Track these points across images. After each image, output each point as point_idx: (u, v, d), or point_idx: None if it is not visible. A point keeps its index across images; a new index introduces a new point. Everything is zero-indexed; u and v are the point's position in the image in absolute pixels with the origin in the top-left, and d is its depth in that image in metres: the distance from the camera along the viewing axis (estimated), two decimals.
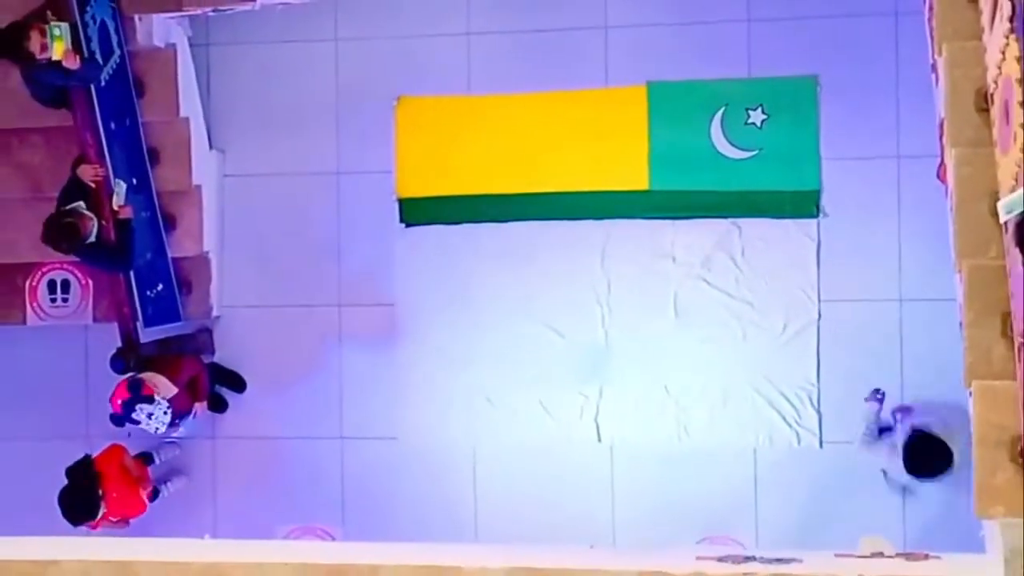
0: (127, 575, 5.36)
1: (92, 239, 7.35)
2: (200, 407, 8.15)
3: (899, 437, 7.12)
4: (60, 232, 7.23)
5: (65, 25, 7.15)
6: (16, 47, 7.01)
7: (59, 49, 7.06)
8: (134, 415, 7.55)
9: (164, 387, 7.66)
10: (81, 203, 7.33)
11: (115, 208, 7.57)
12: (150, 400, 7.55)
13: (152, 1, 8.02)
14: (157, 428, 7.64)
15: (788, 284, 8.11)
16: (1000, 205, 4.61)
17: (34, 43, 6.98)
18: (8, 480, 8.44)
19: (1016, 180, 4.61)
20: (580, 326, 8.32)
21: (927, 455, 6.86)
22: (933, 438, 6.88)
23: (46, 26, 7.01)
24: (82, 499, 7.41)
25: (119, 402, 7.56)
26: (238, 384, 8.56)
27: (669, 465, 8.18)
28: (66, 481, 7.54)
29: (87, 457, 7.66)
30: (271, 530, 8.14)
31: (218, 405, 8.52)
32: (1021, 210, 4.19)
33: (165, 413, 7.60)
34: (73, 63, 7.16)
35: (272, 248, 8.60)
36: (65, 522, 7.42)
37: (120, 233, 7.60)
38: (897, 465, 7.14)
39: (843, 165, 8.00)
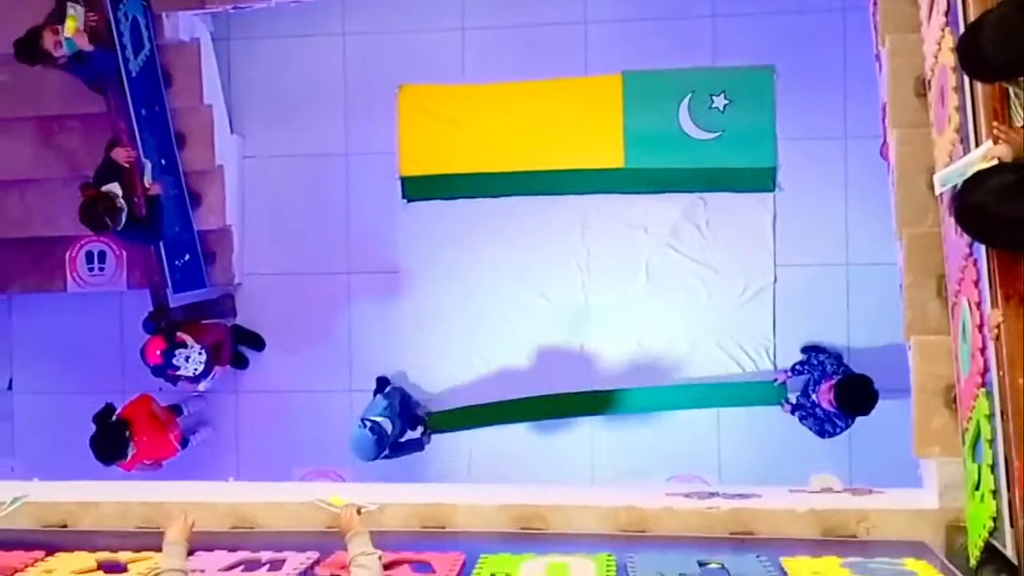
0: (160, 514, 5.38)
1: (122, 224, 7.31)
2: (220, 370, 8.14)
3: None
4: (91, 220, 7.18)
5: (80, 8, 7.06)
6: (34, 49, 6.96)
7: (71, 27, 6.95)
8: (174, 360, 7.55)
9: (191, 342, 7.65)
10: (115, 185, 7.29)
11: (146, 185, 7.55)
12: (184, 345, 7.56)
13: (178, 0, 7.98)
14: (196, 369, 7.62)
15: (747, 251, 8.11)
16: (936, 178, 4.62)
17: (48, 42, 6.94)
18: (52, 429, 8.45)
19: (951, 157, 4.64)
20: (563, 289, 8.32)
21: (855, 395, 6.93)
22: (860, 378, 6.97)
23: (59, 25, 6.95)
24: (109, 441, 7.36)
25: (157, 352, 7.54)
26: (258, 343, 8.56)
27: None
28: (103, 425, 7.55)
29: (109, 405, 7.61)
30: (288, 473, 8.15)
31: (240, 362, 8.52)
32: (955, 183, 4.21)
33: (200, 354, 7.60)
34: (84, 43, 7.06)
35: (288, 221, 8.57)
36: (103, 468, 7.41)
37: (150, 208, 7.57)
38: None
39: (796, 144, 7.99)
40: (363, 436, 7.17)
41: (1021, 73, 4.04)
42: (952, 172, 4.32)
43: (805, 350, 7.72)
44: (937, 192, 4.77)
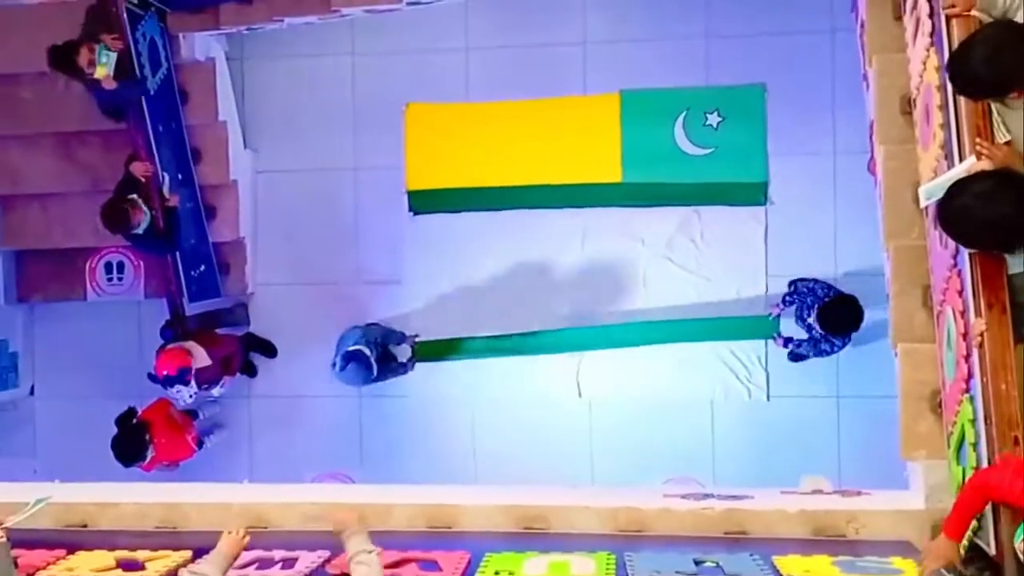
0: (177, 514, 5.40)
1: (142, 229, 7.32)
2: (228, 379, 8.14)
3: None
4: (113, 215, 7.21)
5: (114, 55, 7.13)
6: (69, 61, 6.99)
7: (101, 72, 7.07)
8: (172, 389, 7.56)
9: (200, 357, 7.66)
10: (136, 195, 7.33)
11: (165, 196, 7.56)
12: (187, 383, 7.53)
13: (194, 21, 7.98)
14: (184, 401, 7.68)
15: (740, 262, 8.11)
16: (920, 191, 4.64)
17: (83, 59, 6.99)
18: (72, 433, 8.43)
19: (935, 172, 4.65)
20: (563, 298, 8.32)
21: (840, 317, 7.04)
22: (843, 300, 7.08)
23: (96, 45, 7.00)
24: (129, 443, 7.37)
25: (164, 374, 7.51)
26: (270, 351, 8.56)
27: (639, 416, 8.19)
28: (116, 429, 7.54)
29: (131, 408, 7.65)
30: (300, 475, 8.12)
31: (250, 371, 8.52)
32: (939, 197, 4.23)
33: (191, 397, 7.62)
34: (109, 84, 7.15)
35: (299, 234, 8.56)
36: (122, 470, 7.41)
37: (167, 220, 7.58)
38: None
39: (787, 160, 7.99)
40: (349, 370, 7.44)
41: (1010, 90, 4.06)
42: (936, 186, 4.34)
43: (792, 282, 7.66)
44: (922, 205, 4.78)
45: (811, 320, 7.26)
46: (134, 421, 7.52)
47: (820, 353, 7.37)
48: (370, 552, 4.12)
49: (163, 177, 7.63)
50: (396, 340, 8.16)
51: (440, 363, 8.41)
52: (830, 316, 7.09)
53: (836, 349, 7.30)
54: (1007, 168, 4.02)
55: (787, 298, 7.64)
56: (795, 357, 7.62)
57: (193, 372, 7.55)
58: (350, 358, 7.51)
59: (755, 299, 8.06)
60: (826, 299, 7.21)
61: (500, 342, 8.37)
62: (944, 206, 4.06)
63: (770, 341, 7.98)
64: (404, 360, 8.16)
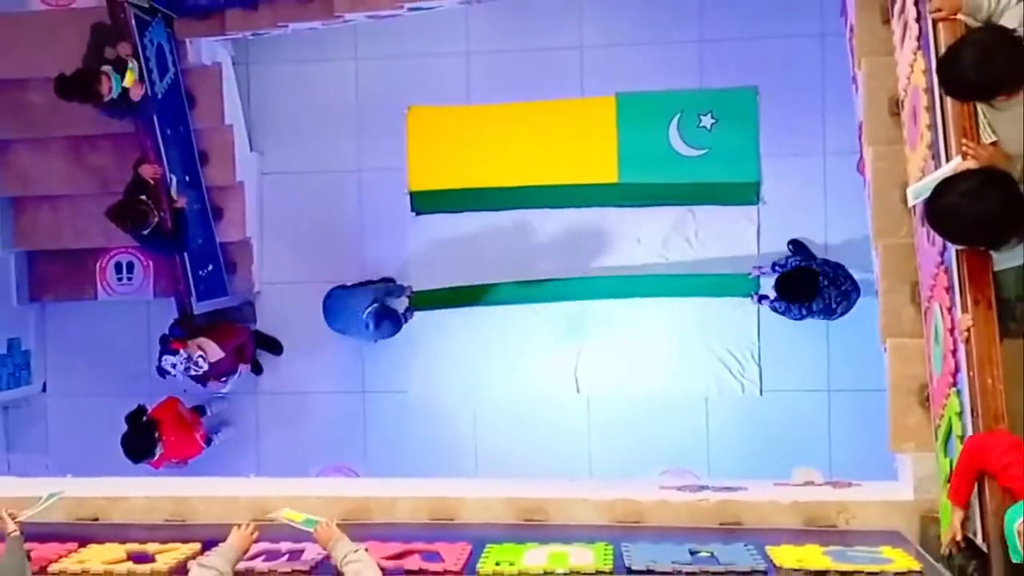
0: (186, 508, 5.40)
1: (149, 230, 7.34)
2: (244, 368, 8.18)
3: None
4: (132, 214, 7.23)
5: (136, 62, 7.20)
6: (89, 91, 6.99)
7: (130, 78, 7.10)
8: (163, 365, 7.60)
9: (212, 351, 7.68)
10: (145, 197, 7.34)
11: (174, 197, 7.58)
12: (174, 352, 7.56)
13: (201, 26, 7.98)
14: (178, 375, 7.64)
15: (733, 260, 8.10)
16: (908, 191, 4.64)
17: (104, 87, 7.01)
18: (83, 429, 8.45)
19: (923, 172, 4.65)
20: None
21: (795, 287, 7.14)
22: (804, 271, 7.15)
23: (108, 68, 7.04)
24: (139, 440, 7.39)
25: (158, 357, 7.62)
26: (276, 348, 8.57)
27: (636, 410, 8.21)
28: (126, 427, 7.55)
29: (141, 406, 7.66)
30: (305, 469, 8.15)
31: (256, 368, 8.53)
32: (927, 196, 4.24)
33: (183, 363, 7.56)
34: (138, 93, 7.19)
35: (304, 234, 8.58)
36: (132, 465, 7.42)
37: (175, 220, 7.59)
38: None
39: (779, 161, 8.01)
40: (384, 327, 7.76)
41: (997, 93, 4.08)
42: (924, 185, 4.34)
43: (791, 242, 7.82)
44: (910, 204, 4.78)
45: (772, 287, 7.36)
46: (144, 419, 7.52)
47: (790, 313, 7.39)
48: (356, 551, 4.14)
49: (171, 179, 7.63)
50: (396, 293, 8.21)
51: (442, 359, 8.42)
52: (784, 285, 7.18)
53: (805, 315, 7.29)
54: (992, 166, 4.04)
55: (776, 266, 7.63)
56: (775, 310, 7.66)
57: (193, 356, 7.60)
58: (381, 315, 7.67)
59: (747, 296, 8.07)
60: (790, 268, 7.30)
61: (495, 290, 8.39)
62: (931, 205, 4.07)
63: (763, 337, 8.00)
64: (402, 311, 8.16)
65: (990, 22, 4.22)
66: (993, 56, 3.92)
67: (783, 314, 7.50)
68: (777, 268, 7.57)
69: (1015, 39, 3.96)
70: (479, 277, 8.42)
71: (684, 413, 8.16)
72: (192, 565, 4.24)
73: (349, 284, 7.92)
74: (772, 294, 7.45)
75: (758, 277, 7.89)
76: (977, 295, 4.03)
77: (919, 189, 4.42)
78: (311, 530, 4.30)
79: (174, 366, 7.58)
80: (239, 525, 4.41)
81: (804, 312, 7.29)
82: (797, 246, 7.74)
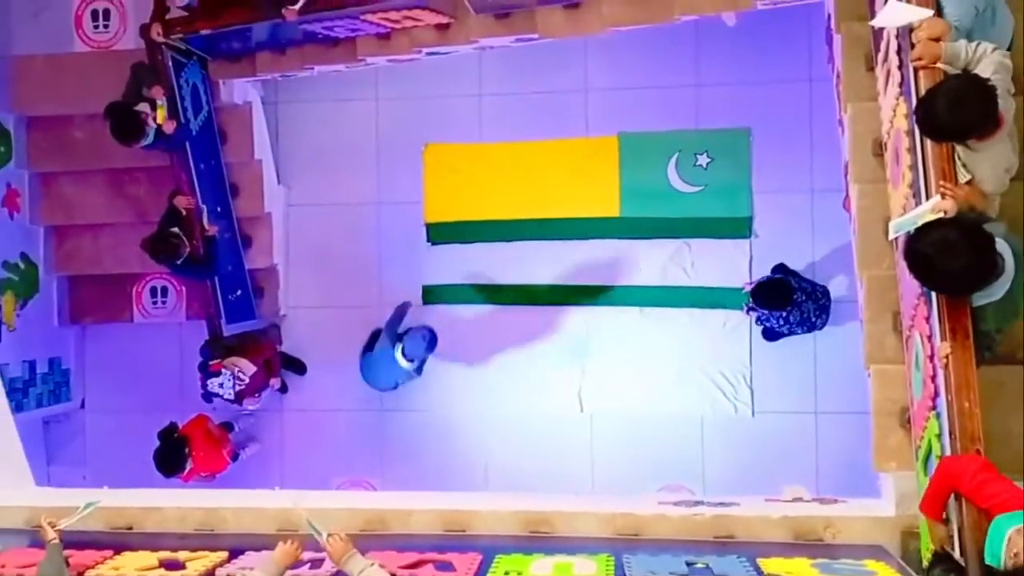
0: (215, 519, 5.41)
1: (183, 258, 7.40)
2: (275, 381, 8.17)
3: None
4: (164, 248, 7.29)
5: (165, 101, 7.26)
6: (139, 133, 7.07)
7: (161, 116, 7.17)
8: (210, 387, 7.61)
9: (245, 367, 7.68)
10: (177, 229, 7.39)
11: (205, 226, 7.63)
12: (217, 373, 7.59)
13: (233, 68, 8.03)
14: (228, 392, 7.63)
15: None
16: (891, 226, 4.65)
17: (150, 125, 7.10)
18: (119, 443, 8.44)
19: (904, 209, 4.67)
20: (568, 321, 8.32)
21: (769, 294, 7.16)
22: (778, 281, 7.20)
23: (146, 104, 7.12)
24: (170, 455, 7.37)
25: (202, 384, 7.63)
26: (300, 368, 8.57)
27: (635, 429, 8.16)
28: (158, 442, 7.54)
29: (172, 424, 7.63)
30: (327, 482, 8.12)
31: (282, 388, 8.52)
32: (907, 230, 4.26)
33: (229, 380, 7.59)
34: (170, 128, 7.24)
35: (327, 261, 8.58)
36: (164, 478, 7.43)
37: (207, 248, 7.65)
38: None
39: (770, 197, 8.00)
40: (433, 342, 7.71)
41: (970, 137, 4.13)
42: (905, 221, 4.36)
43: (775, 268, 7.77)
44: (891, 238, 4.79)
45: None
46: (175, 435, 7.52)
47: (773, 322, 7.43)
48: (372, 564, 4.06)
49: (203, 209, 7.68)
50: (400, 318, 8.08)
51: (455, 381, 8.40)
52: (759, 292, 7.20)
53: (786, 325, 7.35)
54: (966, 215, 4.06)
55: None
56: (765, 333, 7.70)
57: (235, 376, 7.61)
58: (431, 334, 7.68)
59: (741, 320, 8.04)
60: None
61: (501, 291, 8.40)
62: (907, 254, 4.08)
63: (755, 362, 7.99)
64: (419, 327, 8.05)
65: (967, 70, 4.25)
66: (965, 103, 3.97)
67: (767, 323, 7.50)
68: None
69: (986, 87, 3.99)
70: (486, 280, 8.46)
71: (681, 432, 8.11)
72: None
73: (368, 348, 7.87)
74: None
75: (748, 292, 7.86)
76: (955, 325, 4.04)
77: (900, 224, 4.44)
78: (320, 539, 4.19)
79: (222, 386, 7.59)
80: (284, 540, 4.35)
81: (784, 322, 7.31)
82: (780, 268, 7.70)
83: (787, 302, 7.15)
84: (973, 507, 3.77)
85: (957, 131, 4.11)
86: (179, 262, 7.38)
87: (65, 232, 8.56)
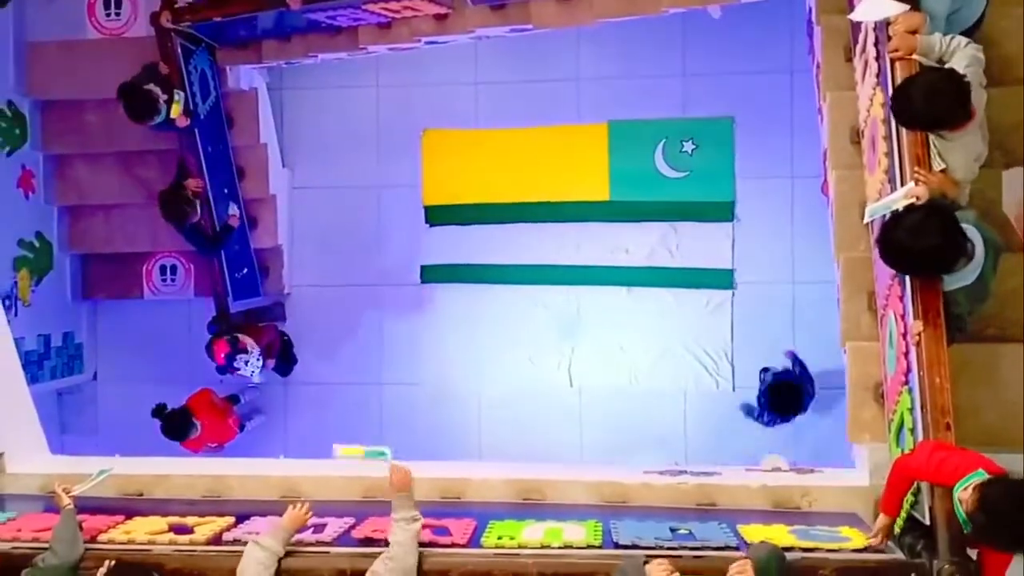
0: (222, 486, 5.42)
1: (189, 225, 7.43)
2: (271, 363, 8.13)
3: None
4: (172, 211, 7.30)
5: (183, 94, 7.24)
6: (150, 111, 7.04)
7: (176, 110, 7.15)
8: (235, 363, 7.56)
9: (251, 345, 7.67)
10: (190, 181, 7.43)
11: (231, 214, 7.72)
12: (245, 351, 7.58)
13: (239, 55, 7.99)
14: (253, 371, 7.65)
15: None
16: (866, 211, 4.67)
17: (158, 115, 7.07)
18: (130, 413, 8.35)
19: (880, 194, 4.68)
20: (558, 300, 8.33)
21: (787, 400, 6.90)
22: (792, 385, 6.90)
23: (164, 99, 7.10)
24: (176, 422, 7.32)
25: (222, 355, 7.54)
26: (290, 363, 8.47)
27: (622, 403, 8.20)
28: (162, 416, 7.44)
29: (161, 404, 7.41)
30: (329, 451, 8.08)
31: (284, 372, 8.49)
32: (882, 215, 4.26)
33: (258, 359, 7.63)
34: (184, 122, 7.24)
35: (329, 242, 8.57)
36: (174, 446, 7.40)
37: (222, 232, 7.68)
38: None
39: (751, 183, 8.00)
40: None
41: (943, 127, 4.13)
42: (879, 206, 4.38)
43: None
44: (866, 221, 4.80)
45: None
46: (169, 410, 7.39)
47: (764, 420, 7.20)
48: (415, 520, 4.13)
49: (230, 204, 7.80)
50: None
51: (450, 356, 8.42)
52: (774, 397, 6.90)
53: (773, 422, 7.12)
54: (937, 200, 4.08)
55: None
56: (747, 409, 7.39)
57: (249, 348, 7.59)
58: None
59: (723, 300, 8.09)
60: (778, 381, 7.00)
61: (496, 269, 8.38)
62: (882, 240, 4.10)
63: (736, 340, 8.02)
64: None
65: (941, 61, 4.25)
66: (938, 95, 3.99)
67: (758, 420, 7.25)
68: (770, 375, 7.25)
69: (960, 81, 4.00)
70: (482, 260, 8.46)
71: (665, 405, 8.15)
72: (251, 542, 4.24)
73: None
74: (755, 405, 7.21)
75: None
76: (927, 304, 4.06)
77: (875, 209, 4.46)
78: (381, 460, 4.23)
79: (247, 363, 7.58)
80: (294, 504, 4.40)
81: (780, 420, 7.07)
82: (795, 360, 7.34)
83: (801, 407, 6.86)
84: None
85: (931, 122, 4.12)
86: (190, 224, 7.39)
87: (78, 212, 8.51)
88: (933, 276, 4.06)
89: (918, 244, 3.90)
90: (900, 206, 4.11)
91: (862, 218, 4.98)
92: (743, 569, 3.68)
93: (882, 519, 4.13)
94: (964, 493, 3.49)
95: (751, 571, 3.68)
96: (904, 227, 3.94)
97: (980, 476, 3.49)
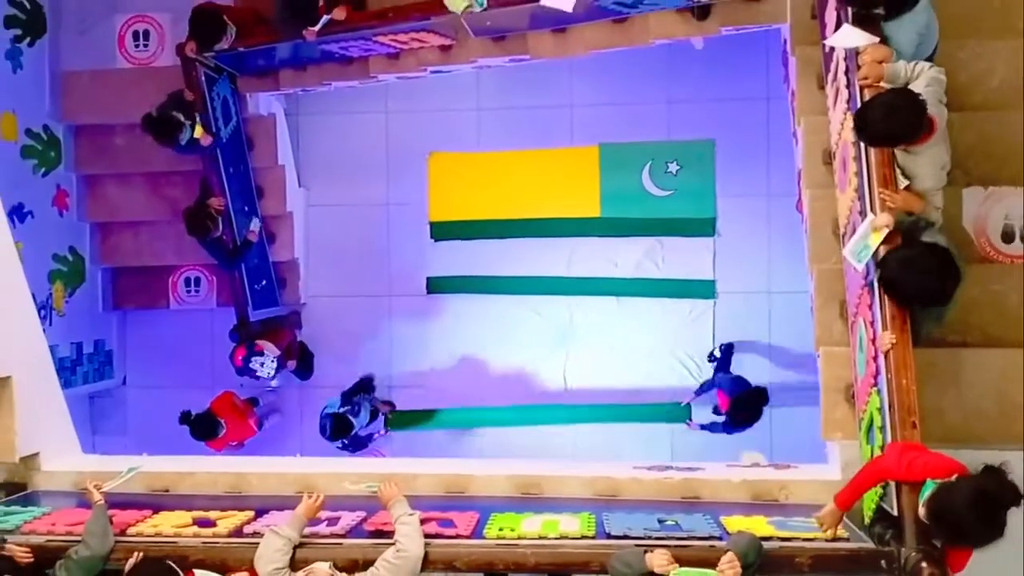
0: (243, 483, 5.39)
1: (211, 238, 7.43)
2: (291, 363, 8.13)
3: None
4: (196, 225, 7.31)
5: (207, 116, 7.29)
6: (171, 135, 7.06)
7: (199, 131, 7.16)
8: (251, 364, 7.57)
9: (270, 348, 7.69)
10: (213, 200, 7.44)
11: (251, 229, 7.71)
12: (261, 353, 7.58)
13: (258, 83, 8.02)
14: (269, 372, 7.63)
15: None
16: (845, 254, 4.56)
17: (183, 135, 7.08)
18: (157, 416, 8.33)
19: (850, 211, 4.69)
20: (553, 309, 8.32)
21: (751, 412, 6.85)
22: (753, 396, 6.83)
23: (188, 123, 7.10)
24: (203, 424, 7.35)
25: (240, 358, 7.58)
26: (309, 368, 8.46)
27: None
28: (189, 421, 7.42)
29: (186, 411, 7.38)
30: (341, 451, 8.11)
31: (304, 377, 8.48)
32: (862, 253, 4.29)
33: (273, 361, 7.61)
34: (207, 142, 7.26)
35: (342, 255, 8.55)
36: (198, 446, 7.41)
37: (242, 246, 7.69)
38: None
39: (731, 200, 8.01)
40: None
41: (901, 143, 4.17)
42: (855, 245, 4.36)
43: (724, 346, 7.68)
44: (854, 265, 4.71)
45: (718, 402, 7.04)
46: (195, 415, 7.39)
47: (720, 429, 7.15)
48: (411, 515, 4.18)
49: (254, 220, 7.81)
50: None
51: (454, 361, 8.40)
52: (739, 408, 6.83)
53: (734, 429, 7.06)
54: (904, 219, 4.14)
55: (699, 390, 7.46)
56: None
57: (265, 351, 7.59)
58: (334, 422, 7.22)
59: (705, 309, 8.09)
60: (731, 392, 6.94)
61: (498, 280, 8.35)
62: (881, 277, 4.10)
63: (716, 339, 8.00)
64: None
65: (901, 86, 4.28)
66: (896, 113, 4.01)
67: (711, 430, 7.21)
68: (711, 386, 7.31)
69: (916, 100, 4.03)
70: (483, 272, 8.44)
71: None
72: (268, 531, 4.25)
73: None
74: (709, 418, 7.20)
75: (689, 404, 7.78)
76: (895, 311, 4.07)
77: (852, 249, 4.41)
78: (375, 491, 4.36)
79: (263, 364, 7.57)
80: (308, 495, 4.41)
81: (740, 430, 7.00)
82: (727, 350, 7.51)
83: (759, 414, 6.80)
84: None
85: (889, 137, 4.15)
86: (212, 237, 7.40)
87: (109, 228, 8.52)
88: (936, 304, 4.14)
89: (913, 280, 3.96)
90: (875, 243, 4.13)
91: (835, 234, 4.99)
92: (733, 565, 3.67)
93: (833, 508, 4.07)
94: (922, 509, 3.61)
95: (739, 567, 3.68)
96: (896, 264, 4.00)
97: (930, 487, 3.58)
